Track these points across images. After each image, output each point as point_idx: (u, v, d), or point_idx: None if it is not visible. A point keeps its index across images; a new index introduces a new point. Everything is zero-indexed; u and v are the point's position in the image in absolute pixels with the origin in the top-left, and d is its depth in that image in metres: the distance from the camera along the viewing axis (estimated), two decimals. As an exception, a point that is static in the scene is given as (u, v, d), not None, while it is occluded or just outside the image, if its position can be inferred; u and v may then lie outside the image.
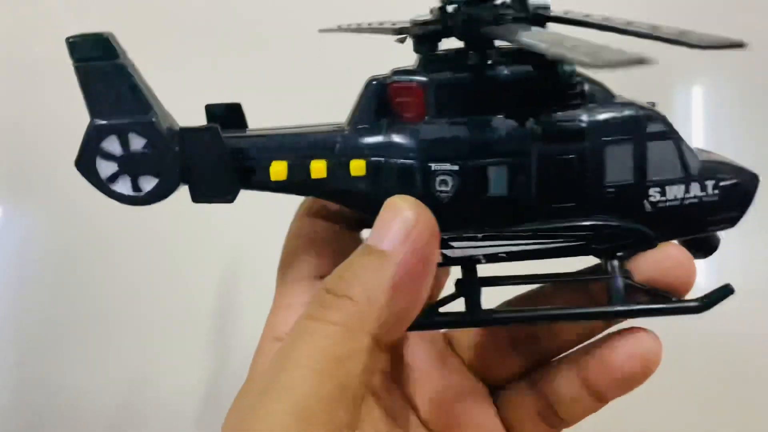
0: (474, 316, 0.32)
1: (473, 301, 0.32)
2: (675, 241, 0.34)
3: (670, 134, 0.32)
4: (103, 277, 0.63)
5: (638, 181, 0.31)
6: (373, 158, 0.31)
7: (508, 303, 0.37)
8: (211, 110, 0.34)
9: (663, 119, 0.32)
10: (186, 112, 0.34)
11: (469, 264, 0.32)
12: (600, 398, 0.33)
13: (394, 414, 0.35)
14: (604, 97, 0.32)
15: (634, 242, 0.32)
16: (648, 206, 0.32)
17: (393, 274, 0.27)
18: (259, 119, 0.35)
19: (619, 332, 0.33)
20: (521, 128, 0.31)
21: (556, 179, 0.31)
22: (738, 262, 0.62)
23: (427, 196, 0.31)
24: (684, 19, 0.62)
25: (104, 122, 0.31)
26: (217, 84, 0.52)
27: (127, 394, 0.64)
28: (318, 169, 0.32)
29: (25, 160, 0.67)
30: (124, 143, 0.32)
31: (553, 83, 0.31)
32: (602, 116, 0.31)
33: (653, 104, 0.33)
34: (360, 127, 0.32)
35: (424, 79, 0.31)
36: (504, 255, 0.32)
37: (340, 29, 0.38)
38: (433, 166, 0.31)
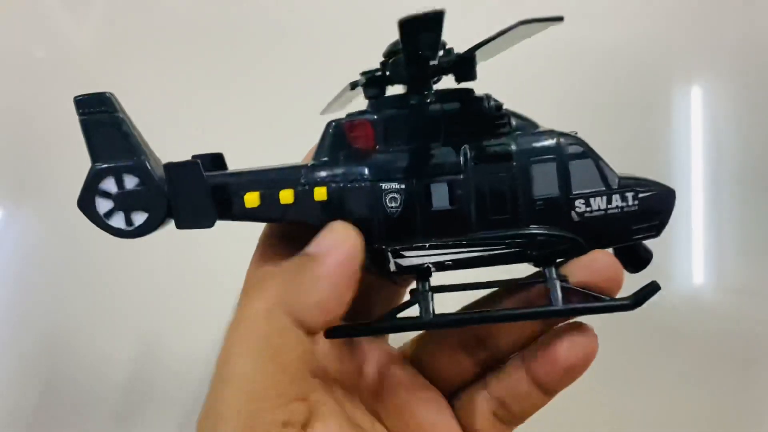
0: (426, 319, 0.36)
1: (426, 306, 0.36)
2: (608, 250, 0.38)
3: (588, 154, 0.37)
4: (102, 277, 0.65)
5: (564, 195, 0.36)
6: (333, 184, 0.36)
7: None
8: (197, 159, 0.40)
9: (581, 142, 0.37)
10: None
11: (421, 273, 0.36)
12: (547, 391, 0.36)
13: (359, 424, 0.37)
14: (528, 127, 0.38)
15: (566, 249, 0.36)
16: (575, 216, 0.36)
17: (316, 268, 0.33)
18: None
19: (560, 329, 0.36)
20: (456, 152, 0.36)
21: (491, 194, 0.36)
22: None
23: (379, 211, 0.35)
24: (683, 20, 0.68)
25: (104, 166, 0.37)
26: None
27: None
28: (286, 196, 0.37)
29: (25, 164, 0.68)
30: (119, 182, 0.37)
31: (482, 116, 0.37)
32: (527, 141, 0.36)
33: (575, 132, 0.38)
34: (322, 160, 0.37)
35: (373, 116, 0.37)
36: (450, 263, 0.36)
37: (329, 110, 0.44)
38: (383, 185, 0.36)
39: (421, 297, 0.36)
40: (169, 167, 0.36)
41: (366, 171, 0.36)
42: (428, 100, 0.37)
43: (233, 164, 0.40)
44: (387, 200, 0.36)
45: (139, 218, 0.37)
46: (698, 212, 0.65)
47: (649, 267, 0.39)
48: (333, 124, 0.38)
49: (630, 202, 0.37)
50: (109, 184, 0.37)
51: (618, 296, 0.36)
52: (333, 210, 0.36)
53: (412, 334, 0.42)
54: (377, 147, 0.37)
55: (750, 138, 0.67)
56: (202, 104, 0.54)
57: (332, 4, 0.69)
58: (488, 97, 0.37)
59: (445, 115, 0.37)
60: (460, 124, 0.37)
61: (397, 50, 0.36)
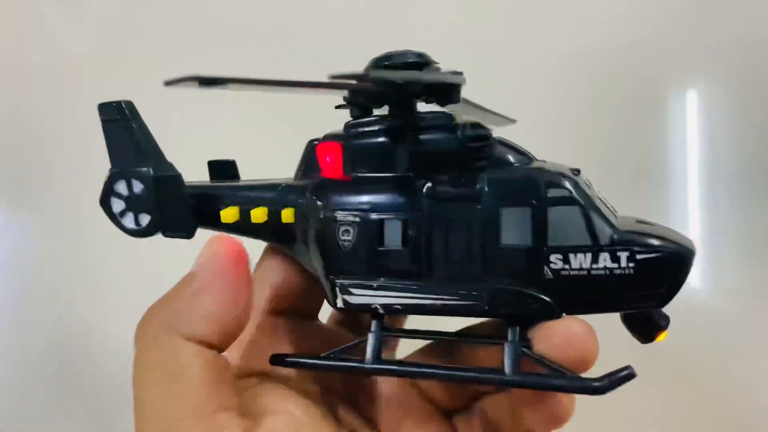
0: (366, 366, 0.33)
1: (372, 350, 0.33)
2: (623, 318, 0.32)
3: (575, 201, 0.31)
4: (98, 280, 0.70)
5: (536, 246, 0.31)
6: (298, 208, 0.35)
7: (421, 351, 0.38)
8: (212, 164, 0.41)
9: (570, 186, 0.31)
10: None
11: (372, 313, 0.34)
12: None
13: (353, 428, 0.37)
14: (518, 160, 0.32)
15: (533, 310, 0.31)
16: (548, 273, 0.31)
17: (193, 283, 0.32)
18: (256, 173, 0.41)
19: None
20: (418, 187, 0.32)
21: (449, 238, 0.32)
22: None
23: (333, 243, 0.34)
24: (679, 25, 0.60)
25: (117, 169, 0.40)
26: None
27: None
28: (257, 215, 0.36)
29: (21, 169, 0.72)
30: (129, 186, 0.40)
31: (456, 147, 0.32)
32: (500, 179, 0.31)
33: (577, 171, 0.32)
34: (296, 180, 0.36)
35: (342, 141, 0.35)
36: (399, 307, 0.33)
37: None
38: (338, 216, 0.34)
39: (368, 339, 0.34)
40: (156, 179, 0.38)
41: (326, 199, 0.34)
42: (401, 126, 0.33)
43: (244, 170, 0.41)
44: (340, 232, 0.34)
45: (145, 220, 0.40)
46: (694, 216, 0.66)
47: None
48: (312, 143, 0.36)
49: (622, 264, 0.30)
50: (122, 187, 0.40)
51: (588, 374, 0.31)
52: (298, 234, 0.36)
53: (419, 344, 0.40)
54: (344, 173, 0.35)
55: (746, 142, 0.66)
56: (200, 108, 0.54)
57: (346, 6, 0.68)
58: (466, 124, 0.32)
59: (416, 144, 0.33)
60: (431, 154, 0.33)
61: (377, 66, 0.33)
